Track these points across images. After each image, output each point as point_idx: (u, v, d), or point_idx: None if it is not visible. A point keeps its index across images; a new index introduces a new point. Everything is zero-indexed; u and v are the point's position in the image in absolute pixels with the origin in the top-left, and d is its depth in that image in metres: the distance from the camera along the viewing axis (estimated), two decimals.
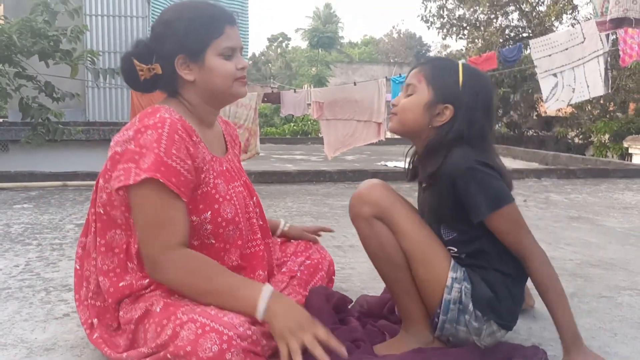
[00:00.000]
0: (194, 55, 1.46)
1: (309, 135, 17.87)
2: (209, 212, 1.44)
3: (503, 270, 1.49)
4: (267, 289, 1.34)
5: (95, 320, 1.50)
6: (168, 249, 1.35)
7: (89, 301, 1.51)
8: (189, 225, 1.41)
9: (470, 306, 1.46)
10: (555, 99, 6.28)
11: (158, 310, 1.35)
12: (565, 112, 15.09)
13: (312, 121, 17.64)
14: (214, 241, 1.47)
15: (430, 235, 1.52)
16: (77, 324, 1.75)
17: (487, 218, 1.43)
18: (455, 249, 1.53)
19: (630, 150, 11.70)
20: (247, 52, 9.64)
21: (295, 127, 19.04)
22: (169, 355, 1.22)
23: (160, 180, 1.32)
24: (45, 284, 2.22)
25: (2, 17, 5.98)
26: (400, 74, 7.34)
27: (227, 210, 1.48)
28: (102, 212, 1.46)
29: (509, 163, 9.44)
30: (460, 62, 1.55)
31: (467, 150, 1.47)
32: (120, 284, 1.45)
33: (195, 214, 1.43)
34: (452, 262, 1.50)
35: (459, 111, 1.49)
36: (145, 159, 1.33)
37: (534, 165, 8.84)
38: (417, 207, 1.63)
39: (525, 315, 1.90)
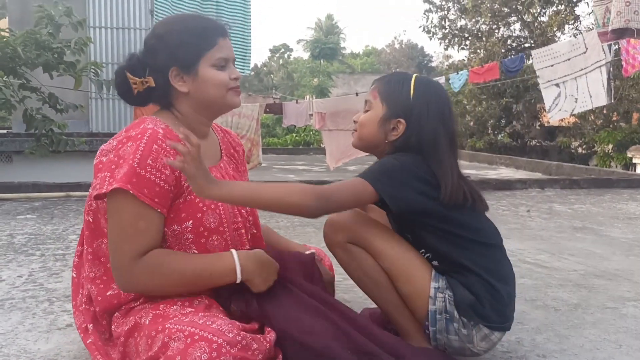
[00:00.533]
0: (187, 67, 1.47)
1: (311, 146, 17.88)
2: (191, 221, 1.44)
3: (477, 271, 1.47)
4: (235, 254, 1.41)
5: (90, 326, 1.51)
6: (135, 258, 1.35)
7: (84, 306, 1.53)
8: (169, 235, 1.42)
9: (456, 313, 1.46)
10: (558, 109, 6.29)
11: (147, 322, 1.35)
12: (568, 122, 15.09)
13: (314, 132, 17.64)
14: (196, 251, 1.47)
15: (406, 249, 1.53)
16: None
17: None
18: (423, 251, 1.55)
19: (634, 160, 11.69)
20: (250, 63, 9.68)
21: (297, 138, 19.06)
22: None
23: (131, 192, 1.33)
24: (49, 294, 2.22)
25: (7, 30, 6.02)
26: None
27: (210, 219, 1.47)
28: (91, 220, 1.48)
29: (512, 173, 9.44)
30: (414, 75, 1.58)
31: (408, 154, 1.49)
32: (108, 293, 1.46)
33: (176, 222, 1.43)
34: (433, 272, 1.50)
35: (410, 124, 1.52)
36: (120, 170, 1.35)
37: (537, 175, 8.83)
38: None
39: (529, 327, 1.89)
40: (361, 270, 1.53)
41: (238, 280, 1.40)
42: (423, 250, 1.54)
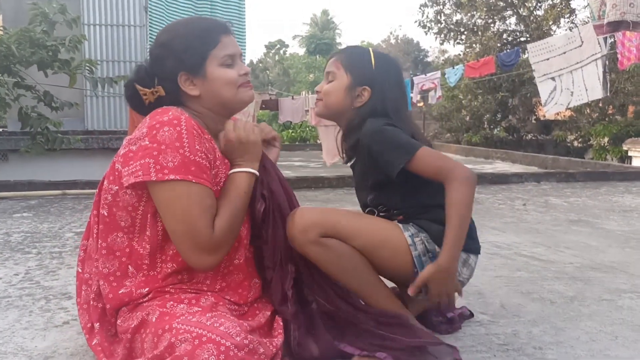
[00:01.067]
0: (195, 69, 1.48)
1: (308, 142, 17.86)
2: None
3: (438, 203, 1.56)
4: (236, 170, 1.50)
5: (97, 325, 1.49)
6: (211, 231, 1.39)
7: (91, 302, 1.51)
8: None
9: (436, 248, 1.55)
10: (554, 103, 6.29)
11: (154, 319, 1.34)
12: (564, 116, 15.13)
13: (310, 128, 17.65)
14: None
15: (370, 219, 1.64)
16: (77, 331, 1.75)
17: (406, 167, 1.55)
18: (385, 208, 1.69)
19: (629, 153, 11.74)
20: (245, 59, 9.66)
21: (293, 134, 19.05)
22: None
23: (194, 181, 1.36)
24: (45, 292, 2.21)
25: (1, 28, 6.00)
26: None
27: None
28: (105, 214, 1.46)
29: (508, 167, 9.45)
30: (370, 48, 1.74)
31: (379, 119, 1.61)
32: (120, 292, 1.45)
33: None
34: (400, 225, 1.60)
35: (375, 91, 1.67)
36: (167, 157, 1.34)
37: (533, 169, 8.85)
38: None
39: (525, 319, 1.90)
40: (339, 258, 1.53)
41: (258, 174, 1.51)
42: (382, 205, 1.67)
